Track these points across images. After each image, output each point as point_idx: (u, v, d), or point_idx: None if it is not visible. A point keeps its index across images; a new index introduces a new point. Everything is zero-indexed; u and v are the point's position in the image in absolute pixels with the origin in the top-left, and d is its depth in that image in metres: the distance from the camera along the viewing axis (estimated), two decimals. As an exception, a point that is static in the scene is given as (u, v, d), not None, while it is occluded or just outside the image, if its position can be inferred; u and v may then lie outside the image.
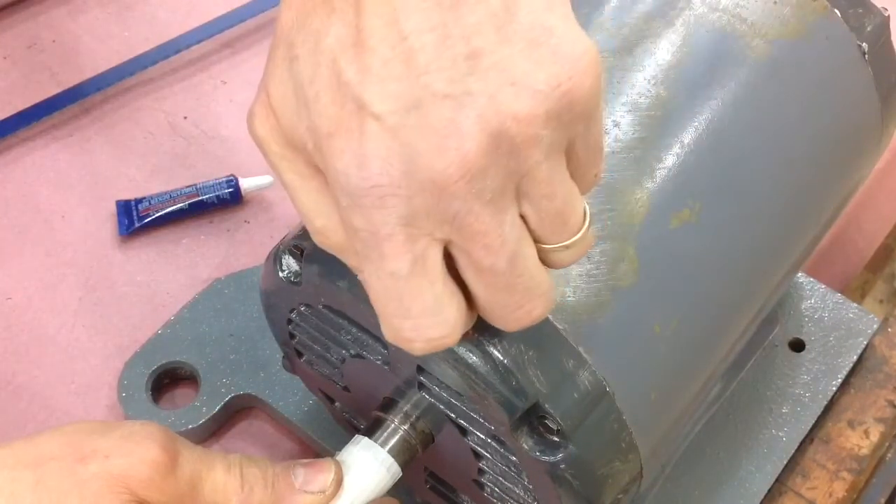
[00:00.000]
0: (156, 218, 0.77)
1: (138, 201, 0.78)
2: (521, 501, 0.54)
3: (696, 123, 0.55)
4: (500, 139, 0.40)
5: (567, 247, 0.44)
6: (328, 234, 0.45)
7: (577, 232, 0.44)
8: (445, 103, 0.40)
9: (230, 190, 0.78)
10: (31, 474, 0.48)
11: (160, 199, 0.78)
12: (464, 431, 0.53)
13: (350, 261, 0.46)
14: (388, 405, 0.55)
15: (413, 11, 0.40)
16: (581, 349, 0.49)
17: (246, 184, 0.78)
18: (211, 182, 0.78)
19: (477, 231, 0.42)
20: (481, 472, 0.55)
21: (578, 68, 0.41)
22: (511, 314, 0.44)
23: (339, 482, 0.52)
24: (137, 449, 0.49)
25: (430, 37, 0.40)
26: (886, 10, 0.62)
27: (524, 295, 0.44)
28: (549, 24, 0.41)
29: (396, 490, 0.54)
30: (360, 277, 0.45)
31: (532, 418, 0.49)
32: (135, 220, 0.77)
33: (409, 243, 0.42)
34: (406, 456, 0.54)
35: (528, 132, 0.41)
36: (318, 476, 0.52)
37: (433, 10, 0.40)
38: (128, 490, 0.48)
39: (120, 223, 0.77)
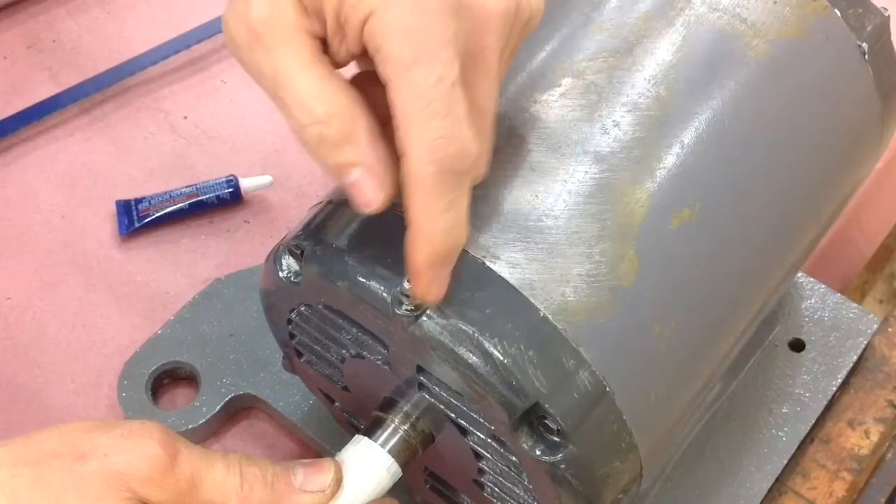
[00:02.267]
0: (156, 218, 0.77)
1: (138, 201, 0.78)
2: (521, 501, 0.54)
3: (696, 123, 0.55)
4: (517, 13, 0.48)
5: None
6: (335, 119, 0.46)
7: None
8: None
9: (230, 190, 0.78)
10: (30, 471, 0.48)
11: (160, 199, 0.78)
12: (464, 431, 0.53)
13: (350, 152, 0.47)
14: (388, 405, 0.55)
15: None
16: (581, 349, 0.49)
17: (246, 184, 0.78)
18: (211, 182, 0.78)
19: (491, 70, 0.48)
20: (481, 472, 0.55)
21: None
22: (483, 161, 0.49)
23: (338, 482, 0.52)
24: (137, 447, 0.49)
25: None
26: (886, 10, 0.62)
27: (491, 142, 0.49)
28: None
29: (396, 490, 0.54)
30: (389, 94, 0.46)
31: (532, 418, 0.49)
32: (135, 220, 0.77)
33: (456, 58, 0.46)
34: (406, 456, 0.54)
35: (524, 20, 0.49)
36: (317, 476, 0.52)
37: None
38: (127, 488, 0.48)
39: (120, 223, 0.77)
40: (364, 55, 0.47)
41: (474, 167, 0.47)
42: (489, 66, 0.48)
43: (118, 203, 0.78)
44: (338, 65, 0.48)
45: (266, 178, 0.79)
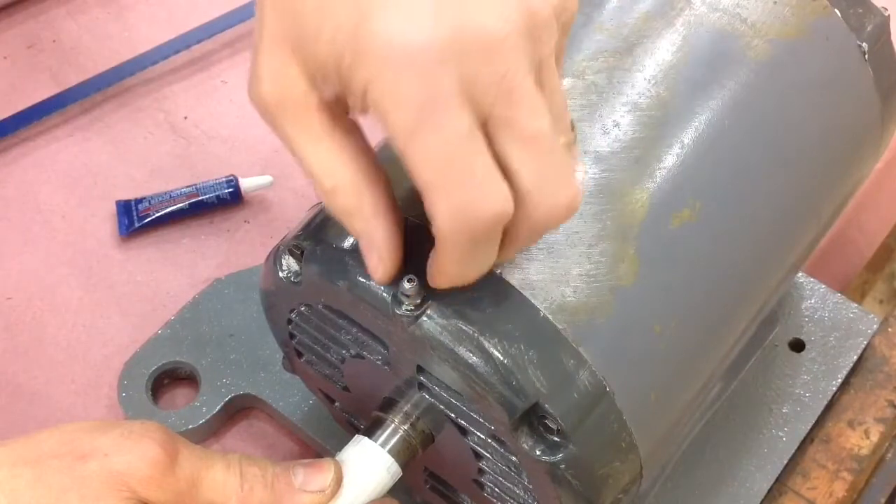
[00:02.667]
0: (156, 218, 0.77)
1: (138, 201, 0.78)
2: (521, 501, 0.54)
3: (696, 123, 0.55)
4: (533, 18, 0.43)
5: (566, 144, 0.46)
6: (339, 193, 0.46)
7: (572, 130, 0.47)
8: None
9: (230, 190, 0.78)
10: (30, 472, 0.48)
11: (160, 199, 0.78)
12: (464, 431, 0.53)
13: (356, 223, 0.47)
14: (388, 405, 0.55)
15: None
16: (581, 349, 0.49)
17: (246, 184, 0.78)
18: (211, 182, 0.78)
19: (524, 93, 0.43)
20: (481, 472, 0.55)
21: None
22: (559, 191, 0.45)
23: (338, 482, 0.52)
24: (137, 447, 0.49)
25: None
26: (886, 10, 0.62)
27: (566, 161, 0.45)
28: None
29: (396, 490, 0.54)
30: (406, 160, 0.44)
31: (532, 418, 0.49)
32: (135, 220, 0.77)
33: (464, 108, 0.43)
34: (406, 456, 0.54)
35: (548, 19, 0.44)
36: (317, 476, 0.52)
37: None
38: (127, 488, 0.48)
39: (120, 223, 0.77)
40: None
41: (504, 217, 0.44)
42: (517, 91, 0.43)
43: (118, 203, 0.78)
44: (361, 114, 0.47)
45: (266, 178, 0.79)
